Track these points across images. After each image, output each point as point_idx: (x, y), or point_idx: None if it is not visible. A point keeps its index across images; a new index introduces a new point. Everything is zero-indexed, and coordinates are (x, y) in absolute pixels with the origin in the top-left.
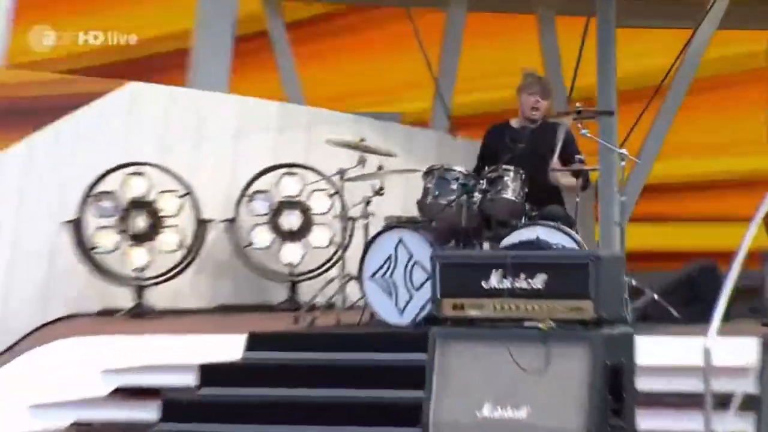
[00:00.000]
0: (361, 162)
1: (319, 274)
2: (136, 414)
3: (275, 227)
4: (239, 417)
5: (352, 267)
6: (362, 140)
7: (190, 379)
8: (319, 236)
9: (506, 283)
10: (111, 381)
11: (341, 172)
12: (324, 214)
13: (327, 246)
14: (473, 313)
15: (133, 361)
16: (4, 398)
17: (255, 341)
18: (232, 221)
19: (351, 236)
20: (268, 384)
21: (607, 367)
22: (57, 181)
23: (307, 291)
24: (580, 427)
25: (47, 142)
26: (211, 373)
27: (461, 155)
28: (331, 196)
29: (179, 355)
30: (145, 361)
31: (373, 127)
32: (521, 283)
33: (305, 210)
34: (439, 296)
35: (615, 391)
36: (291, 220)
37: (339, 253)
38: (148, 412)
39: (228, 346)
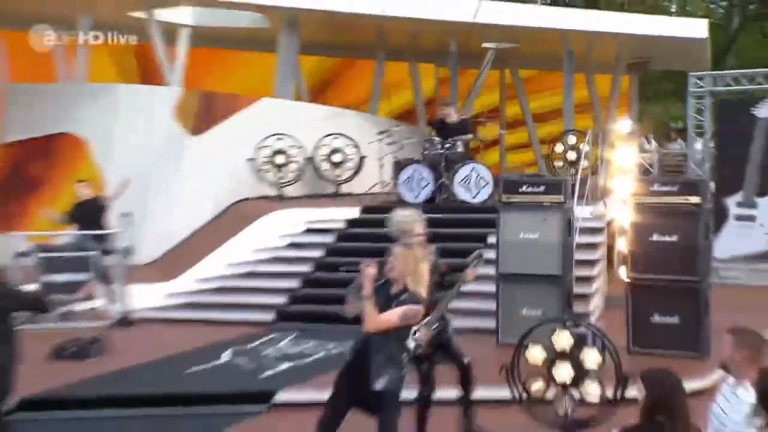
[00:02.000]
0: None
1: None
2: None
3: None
4: None
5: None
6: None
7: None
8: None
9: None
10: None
11: (382, 134)
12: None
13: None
14: (517, 200)
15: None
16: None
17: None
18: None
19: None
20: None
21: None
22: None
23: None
24: (561, 239)
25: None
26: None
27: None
28: (355, 147)
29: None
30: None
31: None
32: None
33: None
34: (503, 192)
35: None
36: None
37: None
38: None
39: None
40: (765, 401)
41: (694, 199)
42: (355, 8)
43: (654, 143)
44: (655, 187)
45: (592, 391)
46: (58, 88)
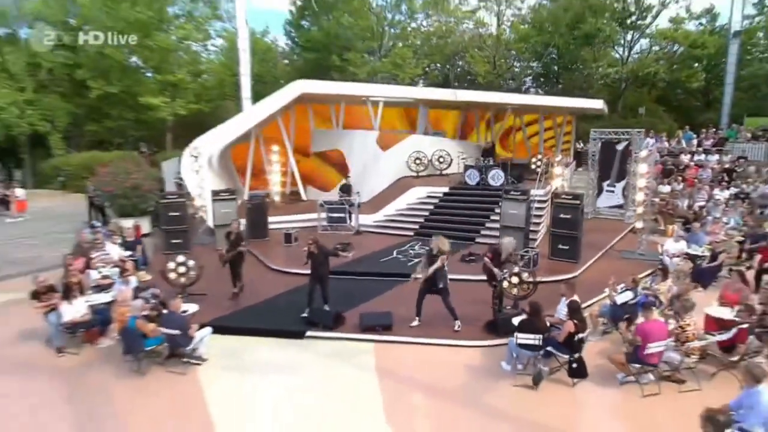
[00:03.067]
0: (461, 152)
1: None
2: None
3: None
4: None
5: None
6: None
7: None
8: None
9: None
10: (425, 192)
11: (459, 154)
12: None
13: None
14: (508, 197)
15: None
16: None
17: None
18: None
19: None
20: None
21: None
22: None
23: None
24: (525, 212)
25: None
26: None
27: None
28: (449, 155)
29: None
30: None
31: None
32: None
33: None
34: (504, 192)
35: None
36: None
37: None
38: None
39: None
40: (570, 309)
41: (576, 202)
42: (444, 96)
43: (581, 143)
44: (563, 197)
45: (525, 287)
46: (333, 131)
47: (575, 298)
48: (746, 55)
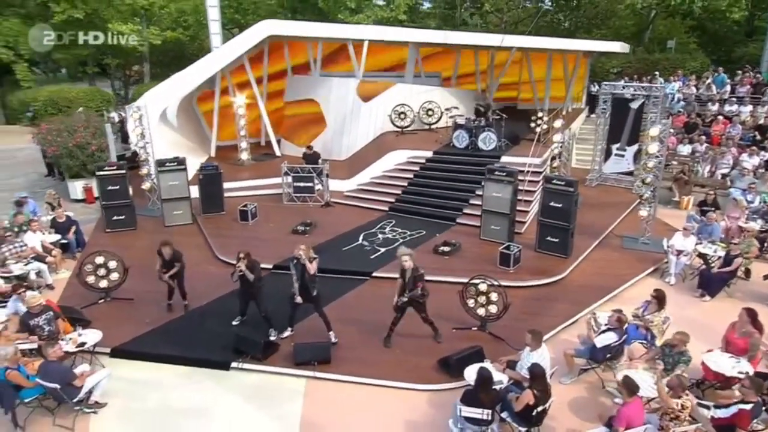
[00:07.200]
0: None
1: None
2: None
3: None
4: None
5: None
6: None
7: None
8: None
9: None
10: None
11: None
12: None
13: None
14: (493, 177)
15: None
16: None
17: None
18: None
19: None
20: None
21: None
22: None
23: None
24: (511, 197)
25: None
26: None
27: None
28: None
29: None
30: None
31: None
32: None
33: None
34: (486, 172)
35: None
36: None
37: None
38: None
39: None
40: (531, 374)
41: (570, 189)
42: (435, 39)
43: (597, 85)
44: (555, 182)
45: (493, 309)
46: (310, 77)
47: (538, 353)
48: None
